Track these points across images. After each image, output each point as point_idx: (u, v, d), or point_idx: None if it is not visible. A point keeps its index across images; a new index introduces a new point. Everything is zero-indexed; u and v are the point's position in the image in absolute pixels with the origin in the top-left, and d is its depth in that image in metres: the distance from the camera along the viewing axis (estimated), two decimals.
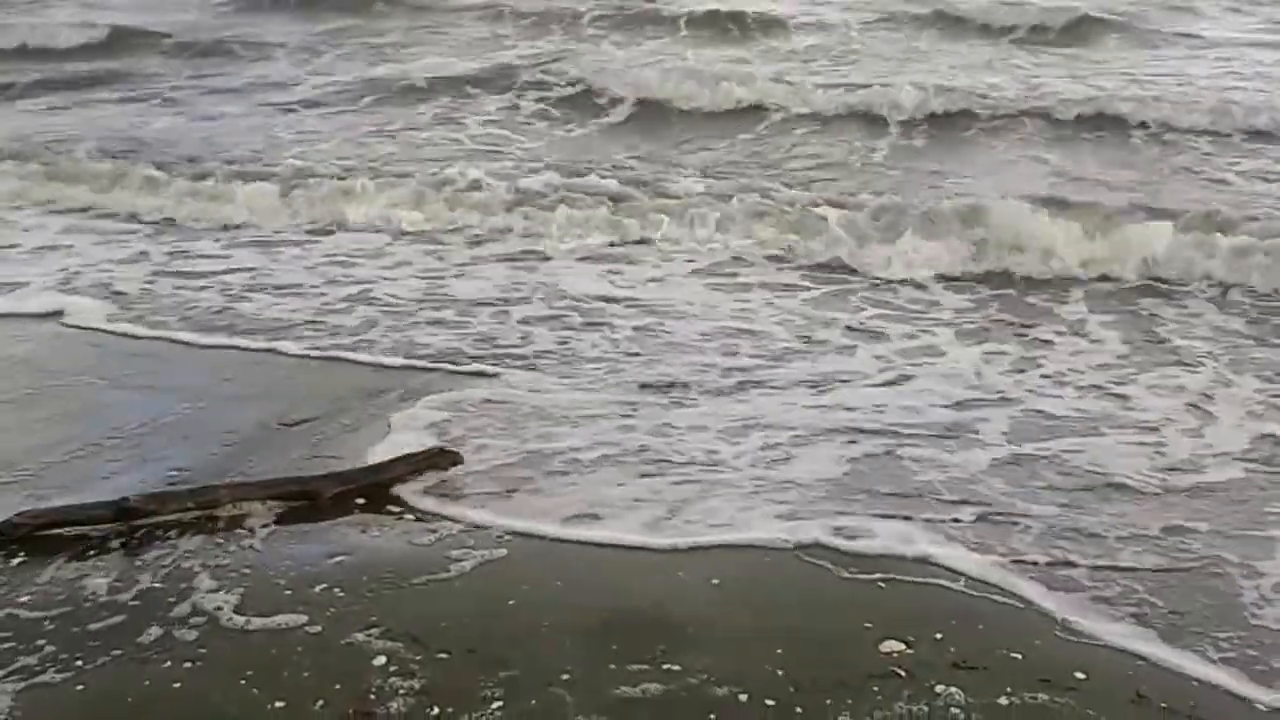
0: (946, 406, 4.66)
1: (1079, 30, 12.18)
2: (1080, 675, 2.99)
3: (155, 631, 3.22)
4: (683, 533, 3.71)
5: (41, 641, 3.18)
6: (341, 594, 3.38)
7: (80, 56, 12.50)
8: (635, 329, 5.51)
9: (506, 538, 3.69)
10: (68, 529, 3.73)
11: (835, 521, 3.75)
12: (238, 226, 7.29)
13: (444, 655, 3.09)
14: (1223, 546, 3.62)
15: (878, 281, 6.21)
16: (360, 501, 3.94)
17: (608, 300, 5.93)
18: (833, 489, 3.99)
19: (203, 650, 3.13)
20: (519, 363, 5.15)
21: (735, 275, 6.35)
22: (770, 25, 12.89)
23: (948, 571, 3.48)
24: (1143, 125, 8.84)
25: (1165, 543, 3.65)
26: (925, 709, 2.86)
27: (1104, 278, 6.15)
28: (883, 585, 3.42)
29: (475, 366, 5.11)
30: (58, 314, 5.84)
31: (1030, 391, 4.80)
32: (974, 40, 12.24)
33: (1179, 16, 12.77)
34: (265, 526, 3.79)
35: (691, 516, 3.82)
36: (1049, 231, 6.45)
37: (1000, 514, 3.82)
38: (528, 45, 12.32)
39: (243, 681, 3.00)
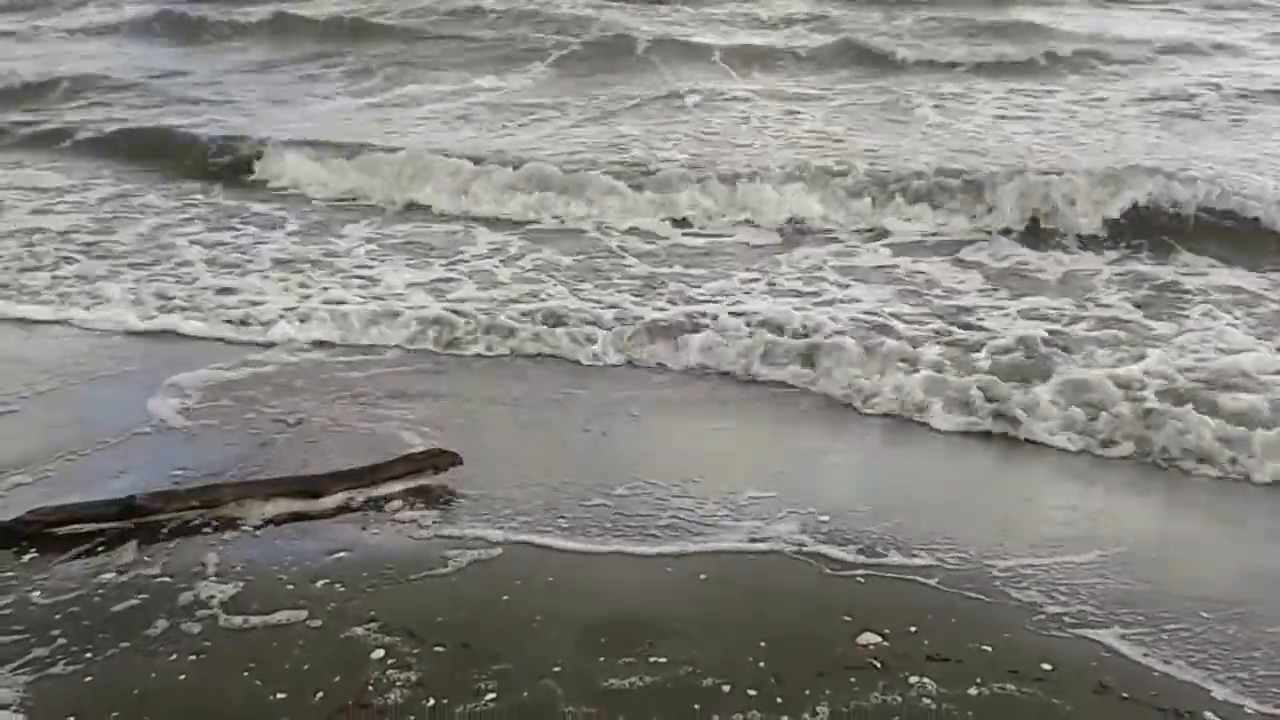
0: None
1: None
2: (1047, 666, 3.10)
3: (161, 625, 3.30)
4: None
5: (51, 634, 3.25)
6: (341, 589, 3.47)
7: None
8: None
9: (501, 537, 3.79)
10: (76, 526, 3.81)
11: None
12: None
13: (440, 649, 3.18)
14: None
15: None
16: (360, 499, 4.03)
17: None
18: None
19: (207, 643, 3.22)
20: None
21: None
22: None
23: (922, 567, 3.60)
24: None
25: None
26: (899, 699, 2.96)
27: None
28: (861, 580, 3.53)
29: None
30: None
31: None
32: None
33: None
34: (267, 524, 3.88)
35: None
36: None
37: None
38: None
39: (245, 674, 3.08)
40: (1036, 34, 13.19)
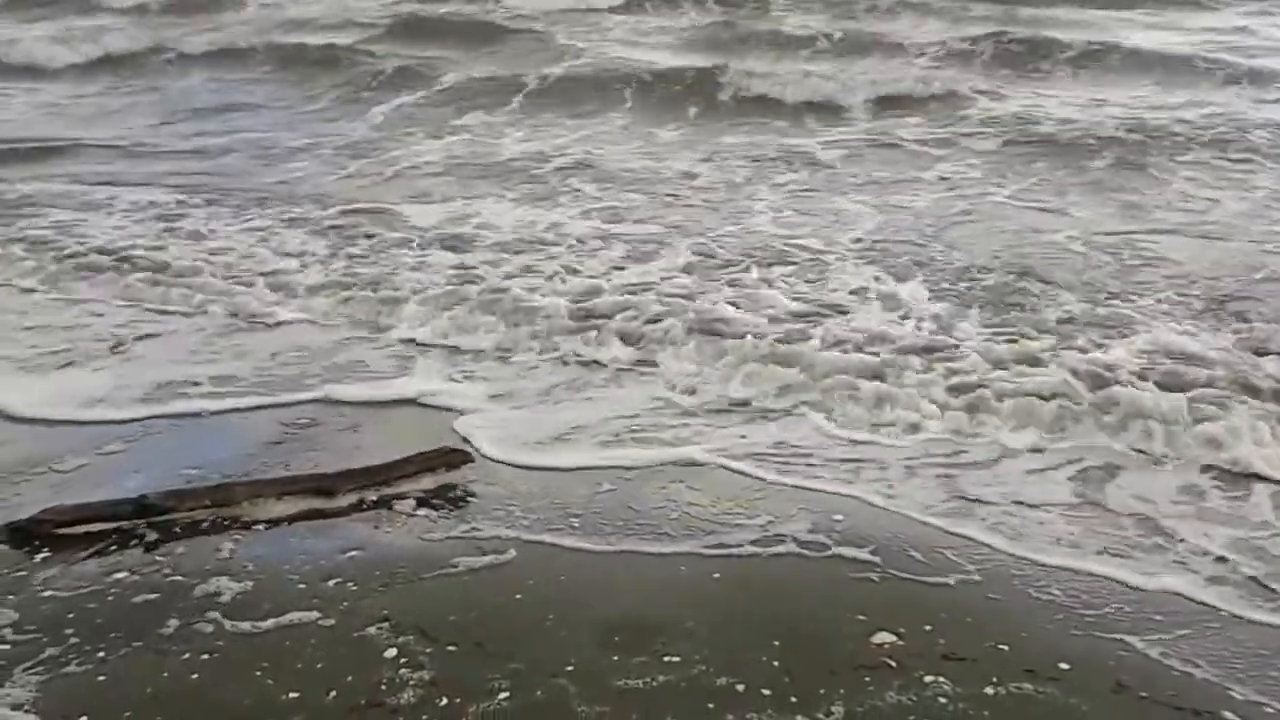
0: None
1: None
2: (1064, 665, 3.08)
3: (174, 624, 3.30)
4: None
5: (64, 634, 3.26)
6: (353, 588, 3.47)
7: None
8: None
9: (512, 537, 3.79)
10: (90, 525, 3.81)
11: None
12: None
13: (452, 648, 3.18)
14: None
15: None
16: (372, 498, 4.03)
17: None
18: None
19: (219, 643, 3.22)
20: None
21: None
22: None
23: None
24: None
25: None
26: (914, 698, 2.95)
27: None
28: (875, 579, 3.51)
29: None
30: None
31: None
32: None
33: None
34: (280, 523, 3.88)
35: None
36: None
37: None
38: None
39: (258, 673, 3.09)
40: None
